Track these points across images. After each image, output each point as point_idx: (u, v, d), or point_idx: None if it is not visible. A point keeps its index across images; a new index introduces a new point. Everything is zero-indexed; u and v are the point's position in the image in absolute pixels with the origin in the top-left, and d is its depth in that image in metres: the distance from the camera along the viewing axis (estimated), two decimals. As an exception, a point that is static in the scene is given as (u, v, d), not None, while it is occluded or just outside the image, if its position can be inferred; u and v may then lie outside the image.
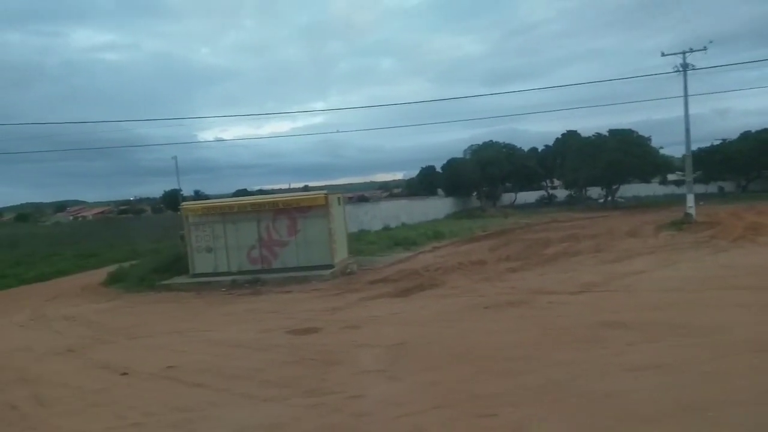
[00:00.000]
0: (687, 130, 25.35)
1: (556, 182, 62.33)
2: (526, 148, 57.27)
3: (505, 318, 9.35)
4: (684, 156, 26.74)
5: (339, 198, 18.30)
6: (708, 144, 51.28)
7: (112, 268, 21.76)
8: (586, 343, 7.43)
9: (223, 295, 14.77)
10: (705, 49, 24.39)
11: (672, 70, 25.08)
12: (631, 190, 54.48)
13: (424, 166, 76.02)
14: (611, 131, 46.36)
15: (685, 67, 24.86)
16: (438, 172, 76.91)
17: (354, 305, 11.55)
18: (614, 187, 48.54)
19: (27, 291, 18.33)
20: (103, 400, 6.40)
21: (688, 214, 24.81)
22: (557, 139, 58.77)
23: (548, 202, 58.11)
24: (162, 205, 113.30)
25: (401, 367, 6.94)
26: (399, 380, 6.44)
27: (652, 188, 56.13)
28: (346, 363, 7.35)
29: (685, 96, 25.19)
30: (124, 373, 7.41)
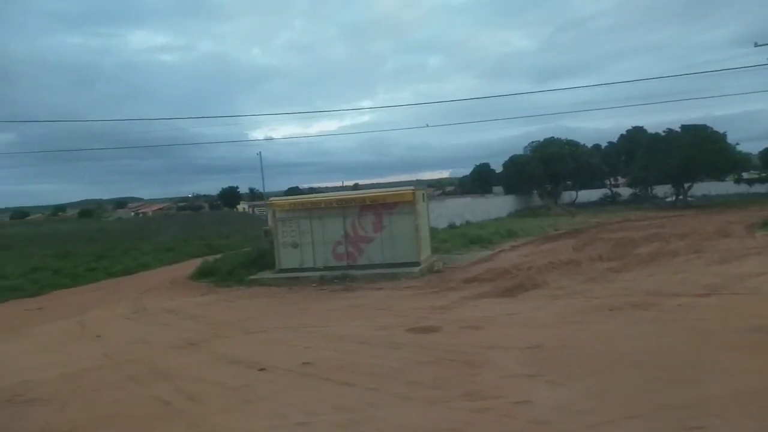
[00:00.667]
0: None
1: (620, 180, 60.29)
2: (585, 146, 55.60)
3: (637, 321, 8.78)
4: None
5: (423, 194, 17.99)
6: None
7: (191, 262, 22.24)
8: (749, 349, 6.84)
9: (314, 290, 14.70)
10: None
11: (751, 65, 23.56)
12: (701, 188, 51.96)
13: (478, 164, 75.24)
14: (684, 127, 44.30)
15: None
16: (492, 170, 75.87)
17: (460, 304, 11.18)
18: (686, 185, 46.38)
19: (116, 284, 18.82)
20: (252, 397, 6.26)
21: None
22: (622, 135, 56.82)
23: (612, 200, 56.18)
24: (219, 202, 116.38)
25: (553, 371, 6.53)
26: (561, 385, 6.03)
27: (725, 187, 53.40)
28: (487, 365, 6.99)
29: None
30: (262, 369, 7.28)
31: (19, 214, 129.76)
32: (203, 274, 17.95)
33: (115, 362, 8.25)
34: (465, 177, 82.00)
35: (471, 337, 8.47)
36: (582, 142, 53.81)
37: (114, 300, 15.23)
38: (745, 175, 49.75)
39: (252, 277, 16.96)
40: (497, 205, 43.65)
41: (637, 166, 46.01)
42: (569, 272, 14.50)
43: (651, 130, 51.42)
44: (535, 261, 16.96)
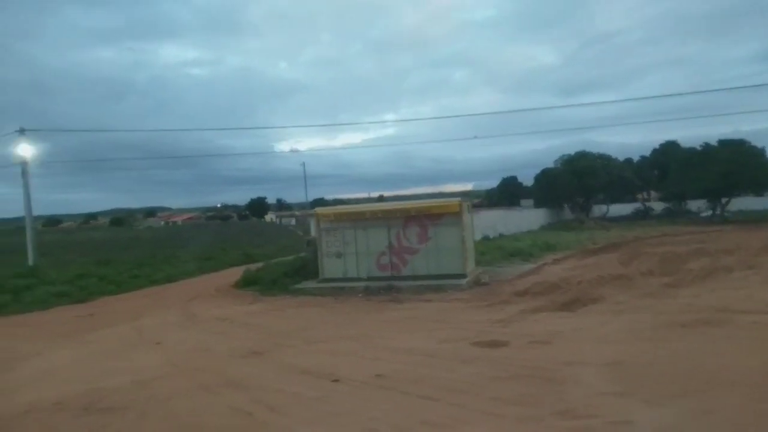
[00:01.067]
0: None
1: (652, 194, 59.24)
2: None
3: (716, 338, 8.43)
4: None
5: (468, 206, 17.79)
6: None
7: (231, 270, 22.34)
8: None
9: (361, 301, 14.55)
10: None
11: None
12: (736, 204, 50.78)
13: (505, 177, 74.70)
14: (721, 141, 43.40)
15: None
16: (519, 183, 75.23)
17: (519, 318, 10.91)
18: (724, 200, 45.27)
19: (161, 291, 18.96)
20: (334, 409, 6.11)
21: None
22: (655, 149, 55.96)
23: (644, 215, 55.07)
24: (247, 212, 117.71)
25: (645, 390, 6.25)
26: (660, 405, 5.76)
27: (761, 202, 52.05)
28: (569, 382, 6.74)
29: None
30: (336, 380, 7.14)
31: (52, 221, 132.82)
32: (247, 282, 17.97)
33: (181, 370, 8.20)
34: (492, 189, 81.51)
35: (542, 352, 8.21)
36: (614, 156, 53.09)
37: (162, 307, 15.29)
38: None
39: (296, 286, 16.91)
40: (529, 218, 43.15)
41: (672, 180, 45.08)
42: (622, 287, 14.09)
43: (683, 144, 50.59)
44: (582, 275, 16.58)
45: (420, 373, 7.31)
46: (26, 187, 23.64)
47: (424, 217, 16.44)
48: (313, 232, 18.61)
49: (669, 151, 52.68)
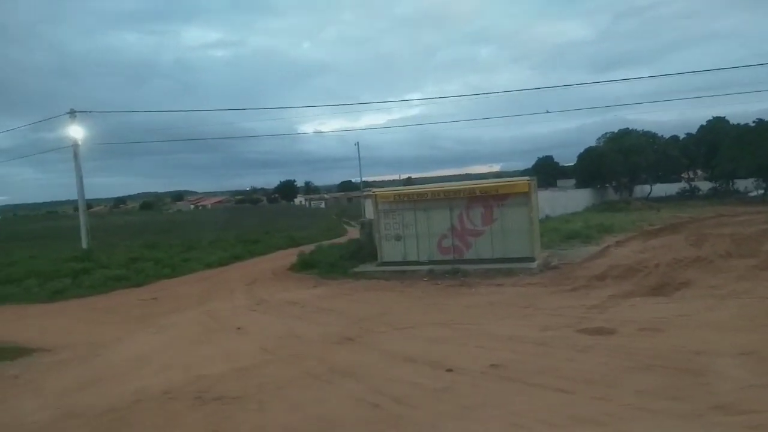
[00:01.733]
0: None
1: (698, 173, 57.30)
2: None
3: None
4: None
5: (535, 185, 17.11)
6: None
7: (279, 254, 22.22)
8: None
9: (428, 284, 14.12)
10: None
11: None
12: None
13: (541, 156, 73.20)
14: (776, 117, 41.52)
15: None
16: (556, 163, 73.62)
17: (612, 304, 10.31)
18: (776, 179, 43.48)
19: (217, 275, 18.83)
20: (468, 402, 5.67)
21: None
22: (702, 126, 53.83)
23: (690, 194, 53.34)
24: (276, 195, 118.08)
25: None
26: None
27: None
28: (709, 373, 6.19)
29: None
30: (449, 370, 6.72)
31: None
32: (304, 266, 17.70)
33: (279, 357, 7.89)
34: (527, 170, 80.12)
35: (660, 340, 7.65)
36: (659, 134, 51.34)
37: (224, 291, 15.11)
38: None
39: (355, 270, 16.57)
40: (574, 198, 42.04)
41: (723, 157, 43.32)
42: (708, 270, 13.36)
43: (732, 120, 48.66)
44: (656, 257, 15.83)
45: (539, 364, 6.84)
46: (78, 170, 23.71)
47: (491, 197, 15.83)
48: (368, 215, 18.16)
49: (717, 128, 50.64)
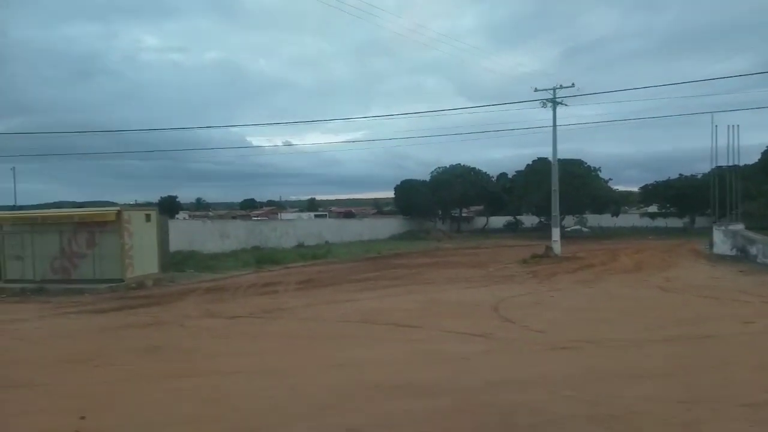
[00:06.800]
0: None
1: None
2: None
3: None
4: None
5: (150, 215, 18.85)
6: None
7: None
8: None
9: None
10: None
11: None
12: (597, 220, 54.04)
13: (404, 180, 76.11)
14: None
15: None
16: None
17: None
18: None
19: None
20: None
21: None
22: (528, 165, 58.32)
23: (515, 227, 57.50)
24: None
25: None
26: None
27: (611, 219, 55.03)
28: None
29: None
30: None
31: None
32: None
33: None
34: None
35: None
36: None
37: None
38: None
39: None
40: (374, 226, 44.71)
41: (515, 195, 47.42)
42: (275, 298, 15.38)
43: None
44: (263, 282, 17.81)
45: None
46: None
47: (94, 224, 17.40)
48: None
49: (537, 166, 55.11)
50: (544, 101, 24.61)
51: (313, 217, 56.97)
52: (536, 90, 24.94)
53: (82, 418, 5.55)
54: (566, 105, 24.89)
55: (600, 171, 44.94)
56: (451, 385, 6.41)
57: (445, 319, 10.84)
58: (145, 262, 18.25)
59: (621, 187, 52.71)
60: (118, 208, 17.80)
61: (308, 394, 6.19)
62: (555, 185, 25.20)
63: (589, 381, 6.48)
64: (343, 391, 6.26)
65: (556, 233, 24.52)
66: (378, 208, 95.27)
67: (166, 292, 16.04)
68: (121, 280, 17.02)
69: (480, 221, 61.24)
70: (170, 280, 18.60)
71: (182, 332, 10.18)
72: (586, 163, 44.80)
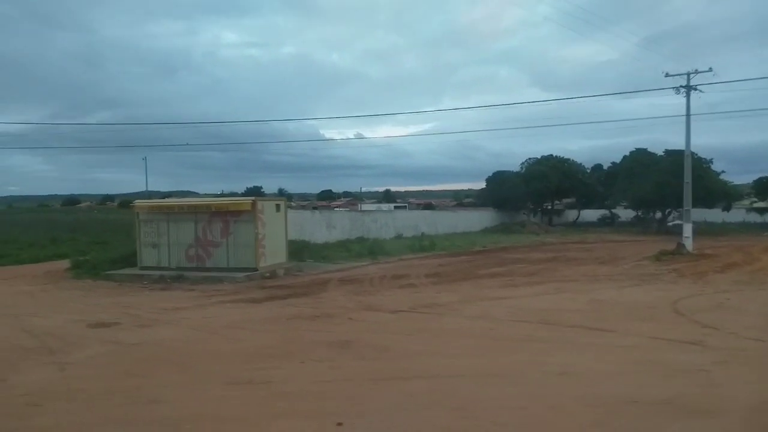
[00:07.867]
0: None
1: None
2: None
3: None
4: None
5: (279, 204, 18.93)
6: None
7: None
8: None
9: (141, 288, 15.92)
10: None
11: None
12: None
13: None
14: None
15: None
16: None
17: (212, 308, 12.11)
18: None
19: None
20: None
21: None
22: (625, 156, 55.30)
23: (611, 221, 54.73)
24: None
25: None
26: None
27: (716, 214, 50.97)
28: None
29: None
30: None
31: (72, 201, 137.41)
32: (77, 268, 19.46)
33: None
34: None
35: (150, 332, 9.41)
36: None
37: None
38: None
39: (112, 272, 18.38)
40: (468, 219, 43.71)
41: (618, 188, 44.79)
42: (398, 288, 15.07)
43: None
44: (390, 273, 17.54)
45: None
46: None
47: (228, 213, 17.68)
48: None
49: (639, 157, 52.08)
50: (678, 87, 22.70)
51: (392, 209, 57.64)
52: (667, 75, 23.10)
53: (339, 424, 5.19)
54: (701, 92, 22.87)
55: (712, 163, 41.65)
56: (715, 403, 5.65)
57: (630, 322, 9.94)
58: (275, 251, 18.39)
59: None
60: (252, 198, 17.87)
61: (558, 406, 5.58)
62: (687, 177, 23.43)
63: None
64: (598, 407, 5.59)
65: (688, 229, 22.71)
66: (458, 199, 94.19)
67: (302, 282, 15.98)
68: (255, 269, 17.16)
69: (570, 214, 58.66)
70: (298, 270, 18.62)
71: (358, 326, 9.84)
72: (696, 154, 41.60)
